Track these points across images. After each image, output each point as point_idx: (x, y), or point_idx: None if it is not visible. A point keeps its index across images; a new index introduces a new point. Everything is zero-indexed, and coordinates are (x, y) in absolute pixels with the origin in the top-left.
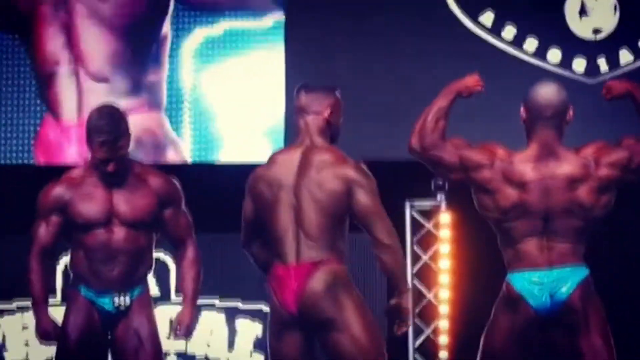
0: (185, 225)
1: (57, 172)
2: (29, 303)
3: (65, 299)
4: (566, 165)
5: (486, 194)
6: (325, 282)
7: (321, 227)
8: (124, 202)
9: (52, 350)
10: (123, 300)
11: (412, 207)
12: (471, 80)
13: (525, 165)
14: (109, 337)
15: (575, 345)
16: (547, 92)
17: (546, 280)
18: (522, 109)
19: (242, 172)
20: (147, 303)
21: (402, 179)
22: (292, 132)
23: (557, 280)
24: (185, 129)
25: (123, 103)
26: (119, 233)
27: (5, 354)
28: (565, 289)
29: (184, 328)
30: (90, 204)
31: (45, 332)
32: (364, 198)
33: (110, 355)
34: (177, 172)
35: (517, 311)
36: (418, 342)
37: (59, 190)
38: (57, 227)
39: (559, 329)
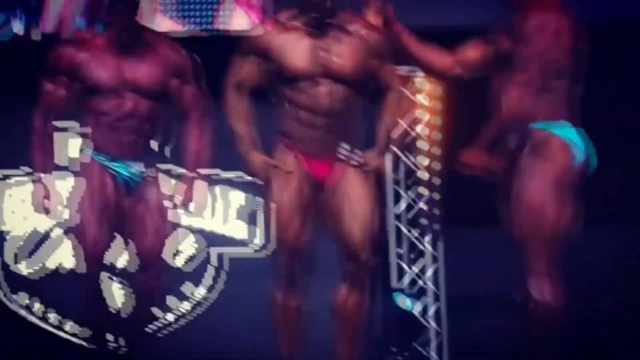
0: (191, 98)
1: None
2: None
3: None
4: None
5: None
6: None
7: None
8: (134, 70)
9: (50, 222)
10: (140, 167)
11: None
12: None
13: None
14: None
15: None
16: None
17: None
18: None
19: None
20: (156, 173)
21: None
22: None
23: None
24: None
25: None
26: (130, 100)
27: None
28: None
29: (187, 200)
30: (101, 68)
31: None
32: None
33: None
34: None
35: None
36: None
37: (70, 50)
38: (66, 89)
39: None
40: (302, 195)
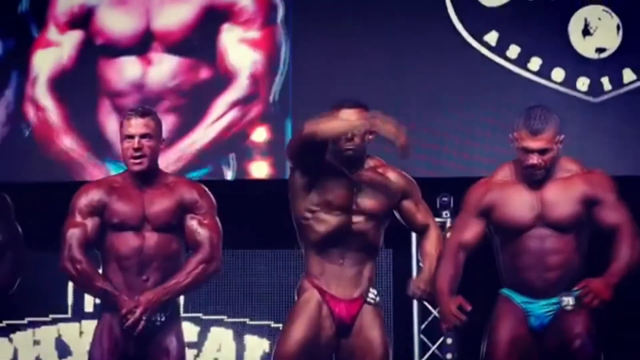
0: (206, 233)
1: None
2: (41, 318)
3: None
4: None
5: None
6: None
7: None
8: (153, 205)
9: None
10: (159, 316)
11: None
12: None
13: None
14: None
15: None
16: None
17: None
18: None
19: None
20: (177, 320)
21: None
22: None
23: None
24: None
25: None
26: (151, 238)
27: None
28: None
29: (142, 302)
30: (125, 206)
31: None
32: None
33: None
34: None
35: None
36: (424, 359)
37: (97, 192)
38: (96, 227)
39: None
40: (318, 335)
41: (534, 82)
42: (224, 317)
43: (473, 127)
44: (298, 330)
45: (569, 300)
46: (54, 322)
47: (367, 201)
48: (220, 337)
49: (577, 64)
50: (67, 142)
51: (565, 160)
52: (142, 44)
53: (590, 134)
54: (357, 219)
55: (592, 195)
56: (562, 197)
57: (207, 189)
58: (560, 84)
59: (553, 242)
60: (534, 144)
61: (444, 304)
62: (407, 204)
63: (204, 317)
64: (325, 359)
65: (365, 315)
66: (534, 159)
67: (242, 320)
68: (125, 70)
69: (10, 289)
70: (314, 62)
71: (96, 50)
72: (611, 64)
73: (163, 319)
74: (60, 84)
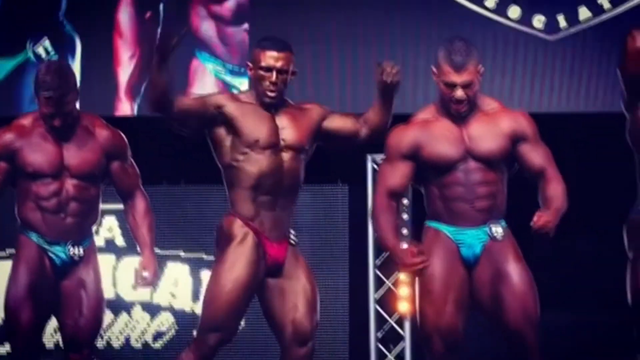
0: (132, 177)
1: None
2: None
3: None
4: None
5: None
6: None
7: None
8: (73, 156)
9: None
10: (77, 250)
11: (374, 160)
12: None
13: None
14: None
15: None
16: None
17: None
18: None
19: None
20: (94, 254)
21: None
22: None
23: None
24: None
25: None
26: (69, 185)
27: None
28: None
29: (151, 275)
30: (40, 155)
31: None
32: None
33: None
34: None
35: None
36: (379, 294)
37: (8, 137)
38: (3, 174)
39: None
40: (256, 277)
41: (489, 19)
42: (181, 252)
43: (422, 62)
44: (240, 273)
45: (497, 229)
46: None
47: (291, 135)
48: (177, 273)
49: (533, 2)
50: None
51: (486, 97)
52: None
53: (545, 72)
54: (286, 155)
55: (520, 132)
56: (489, 131)
57: (119, 132)
58: (517, 21)
59: (481, 175)
60: (458, 78)
61: (402, 257)
62: (329, 122)
63: (160, 252)
64: (250, 299)
65: (290, 256)
66: (459, 93)
67: (198, 255)
68: None
69: None
70: None
71: None
72: (567, 2)
73: (81, 253)
74: None
